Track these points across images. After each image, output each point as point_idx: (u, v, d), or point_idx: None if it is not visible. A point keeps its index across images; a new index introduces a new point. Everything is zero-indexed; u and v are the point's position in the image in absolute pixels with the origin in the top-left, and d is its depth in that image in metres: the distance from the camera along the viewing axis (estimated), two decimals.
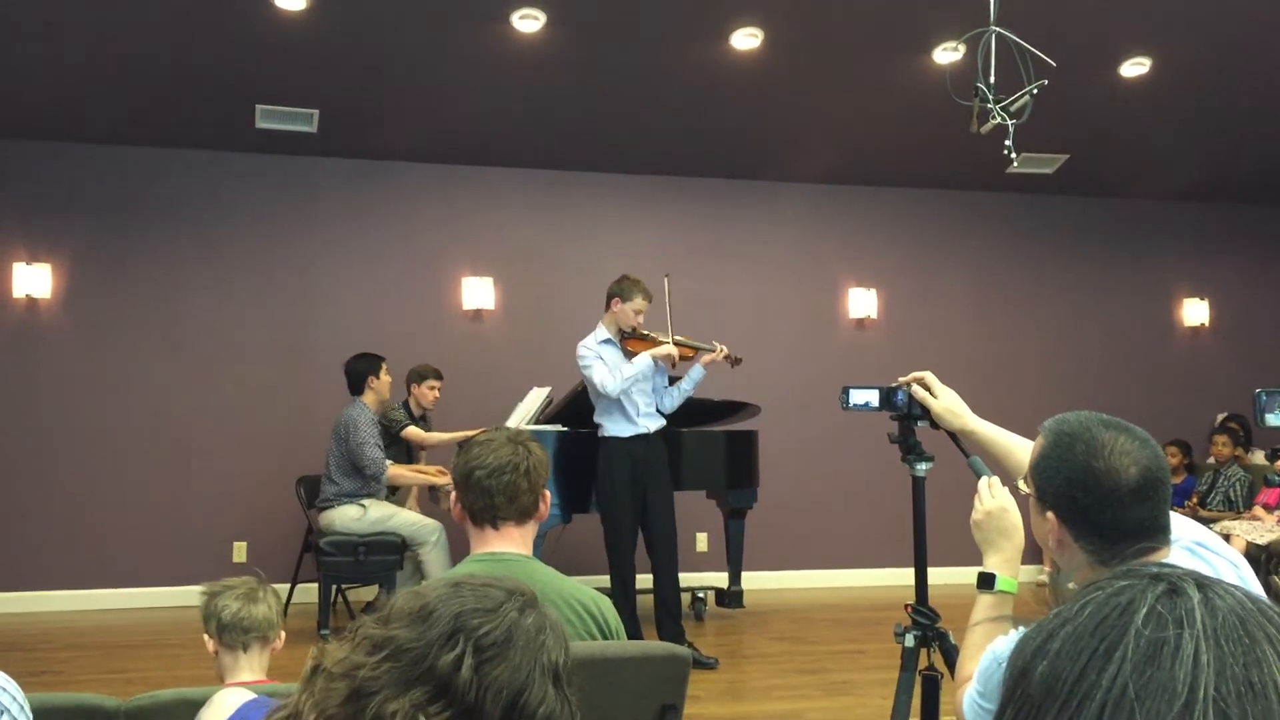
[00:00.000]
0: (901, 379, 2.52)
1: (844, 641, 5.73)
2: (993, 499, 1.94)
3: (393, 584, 5.66)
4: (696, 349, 5.42)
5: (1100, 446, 1.53)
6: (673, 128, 6.91)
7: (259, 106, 6.49)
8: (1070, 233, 8.06)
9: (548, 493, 2.20)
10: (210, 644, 2.33)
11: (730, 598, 6.28)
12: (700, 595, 6.40)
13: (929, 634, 2.60)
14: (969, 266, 7.91)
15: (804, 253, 7.70)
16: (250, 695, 1.98)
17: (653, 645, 2.28)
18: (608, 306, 5.29)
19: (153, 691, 1.98)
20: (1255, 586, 1.59)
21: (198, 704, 1.96)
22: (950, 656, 2.51)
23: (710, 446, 5.94)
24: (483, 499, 2.11)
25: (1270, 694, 0.60)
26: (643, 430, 5.23)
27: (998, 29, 4.18)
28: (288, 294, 7.01)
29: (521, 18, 5.71)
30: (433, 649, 0.92)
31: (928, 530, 2.71)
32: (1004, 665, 0.71)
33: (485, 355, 7.16)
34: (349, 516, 5.66)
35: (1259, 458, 7.27)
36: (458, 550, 5.35)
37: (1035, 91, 4.11)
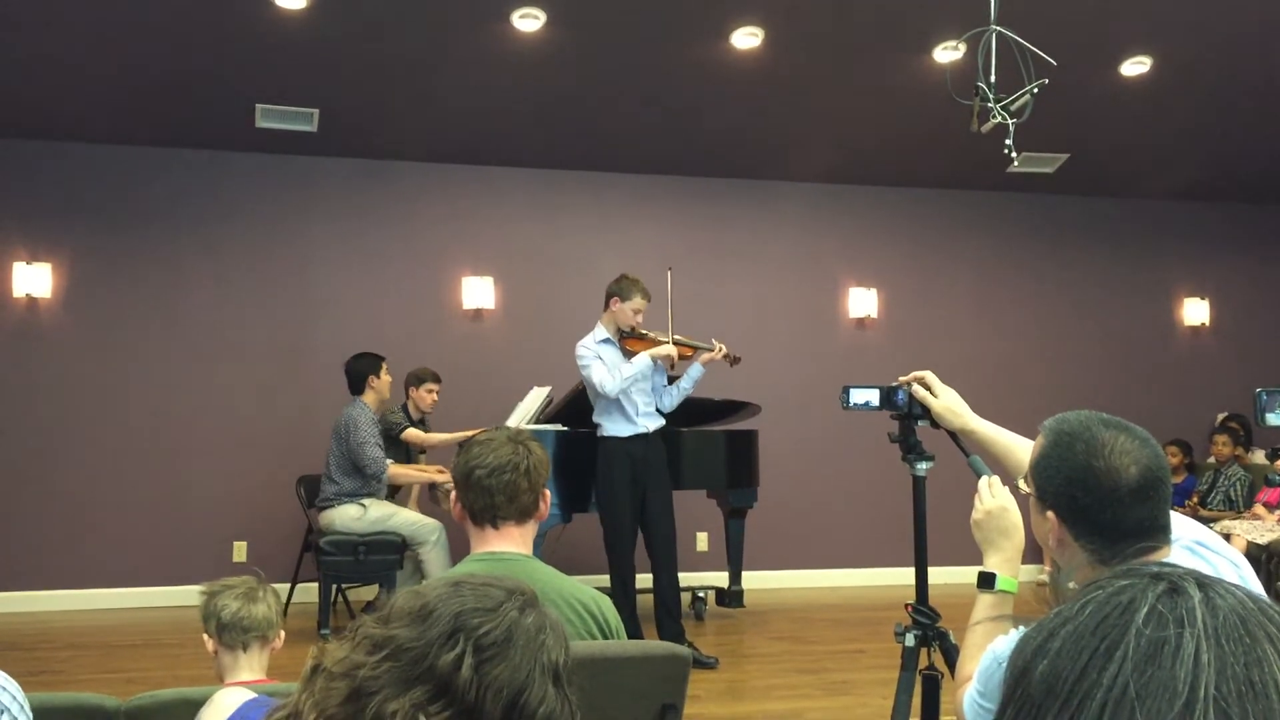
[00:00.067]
0: (902, 378, 2.52)
1: (844, 641, 5.73)
2: (993, 498, 1.94)
3: (393, 583, 5.66)
4: (695, 348, 5.42)
5: (1100, 446, 1.53)
6: (673, 128, 6.91)
7: (259, 106, 6.49)
8: (1070, 232, 8.06)
9: (548, 492, 2.20)
10: (210, 644, 2.33)
11: (730, 597, 6.28)
12: (700, 595, 6.40)
13: (929, 633, 2.60)
14: (969, 266, 7.91)
15: (804, 252, 7.70)
16: (250, 695, 1.98)
17: (653, 645, 2.28)
18: (606, 306, 5.29)
19: (153, 691, 1.98)
20: (1256, 586, 1.59)
21: (198, 704, 1.96)
22: (950, 656, 2.51)
23: (710, 446, 5.94)
24: (483, 498, 2.11)
25: (1271, 693, 0.60)
26: (642, 430, 5.23)
27: (998, 28, 4.18)
28: (288, 294, 7.01)
29: (521, 17, 5.71)
30: (433, 648, 0.92)
31: (928, 530, 2.71)
32: (1004, 665, 0.70)
33: (485, 355, 7.16)
34: (349, 516, 5.66)
35: (1259, 457, 7.27)
36: (458, 550, 5.35)
37: (1036, 91, 4.11)
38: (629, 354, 5.24)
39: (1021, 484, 1.72)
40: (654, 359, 5.20)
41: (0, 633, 5.80)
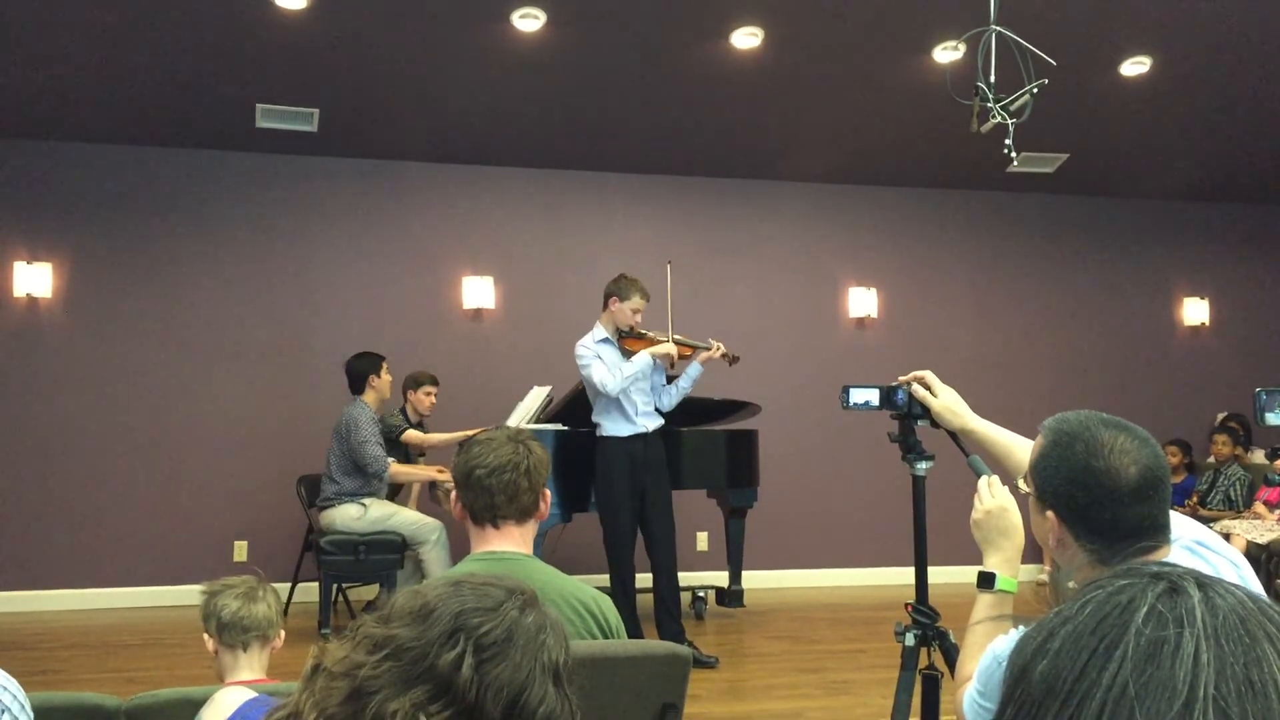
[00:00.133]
0: (901, 378, 2.53)
1: (844, 641, 5.73)
2: (993, 498, 1.94)
3: (393, 583, 5.66)
4: (694, 347, 5.42)
5: (1100, 446, 1.53)
6: (673, 127, 6.91)
7: (259, 106, 6.49)
8: (1070, 232, 8.06)
9: (548, 492, 2.20)
10: (210, 643, 2.33)
11: (730, 597, 6.28)
12: (700, 594, 6.40)
13: (929, 633, 2.60)
14: (969, 266, 7.91)
15: (804, 252, 7.69)
16: (251, 694, 1.98)
17: (653, 644, 2.28)
18: (605, 306, 5.29)
19: (153, 691, 1.98)
20: (1255, 586, 1.59)
21: (198, 703, 1.96)
22: (950, 656, 2.51)
23: (711, 446, 5.94)
24: (483, 498, 2.11)
25: (1270, 693, 0.60)
26: (641, 429, 5.23)
27: (998, 28, 4.18)
28: (288, 294, 7.01)
29: (521, 17, 5.71)
30: (433, 648, 0.92)
31: (928, 530, 2.71)
32: (1004, 664, 0.70)
33: (485, 355, 7.16)
34: (349, 515, 5.66)
35: (1259, 457, 7.27)
36: (458, 549, 5.35)
37: (1035, 91, 4.11)
38: (628, 354, 5.24)
39: (1021, 484, 1.72)
40: (654, 357, 5.20)
41: (0, 632, 5.80)
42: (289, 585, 6.39)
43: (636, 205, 7.46)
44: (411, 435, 6.11)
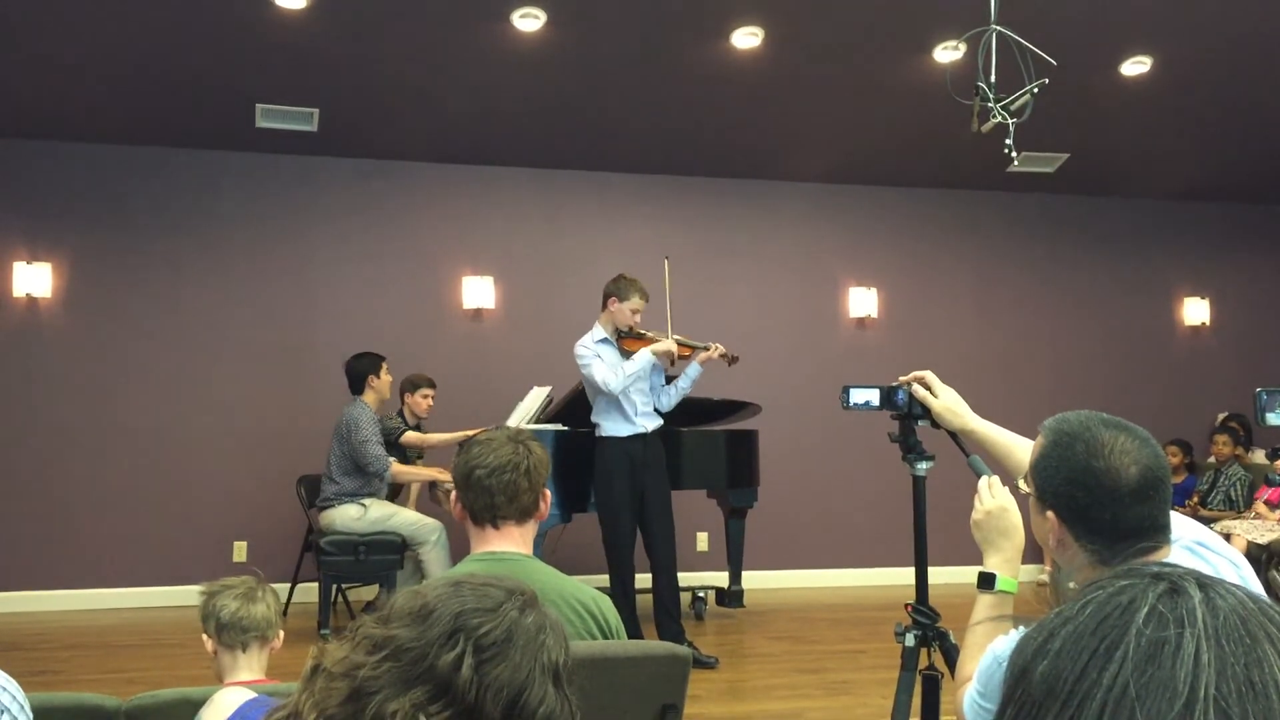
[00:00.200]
0: (902, 378, 2.52)
1: (844, 641, 5.73)
2: (993, 499, 1.94)
3: (393, 583, 5.66)
4: (693, 348, 5.41)
5: (1100, 446, 1.53)
6: (673, 127, 6.91)
7: (259, 106, 6.49)
8: (1070, 232, 8.06)
9: (548, 492, 2.20)
10: (209, 644, 2.33)
11: (730, 597, 6.28)
12: (700, 595, 6.40)
13: (929, 633, 2.60)
14: (969, 265, 7.91)
15: (804, 252, 7.70)
16: (250, 694, 1.98)
17: (653, 645, 2.28)
18: (604, 306, 5.29)
19: (153, 691, 1.98)
20: (1256, 586, 1.59)
21: (198, 704, 1.96)
22: (950, 656, 2.51)
23: (711, 446, 5.94)
24: (483, 498, 2.11)
25: (1271, 693, 0.60)
26: (640, 429, 5.22)
27: (998, 28, 4.18)
28: (288, 294, 7.01)
29: (521, 17, 5.71)
30: (433, 648, 0.92)
31: (928, 530, 2.71)
32: (1004, 665, 0.70)
33: (485, 355, 7.16)
34: (349, 516, 5.66)
35: (1259, 457, 7.27)
36: (458, 550, 5.35)
37: (1036, 90, 4.11)
38: (627, 354, 5.24)
39: (1021, 484, 1.72)
40: (655, 355, 5.20)
41: (0, 633, 5.80)
42: (289, 585, 6.39)
43: (636, 205, 7.46)
44: (411, 436, 6.10)
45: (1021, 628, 0.73)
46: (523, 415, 5.74)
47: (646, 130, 6.93)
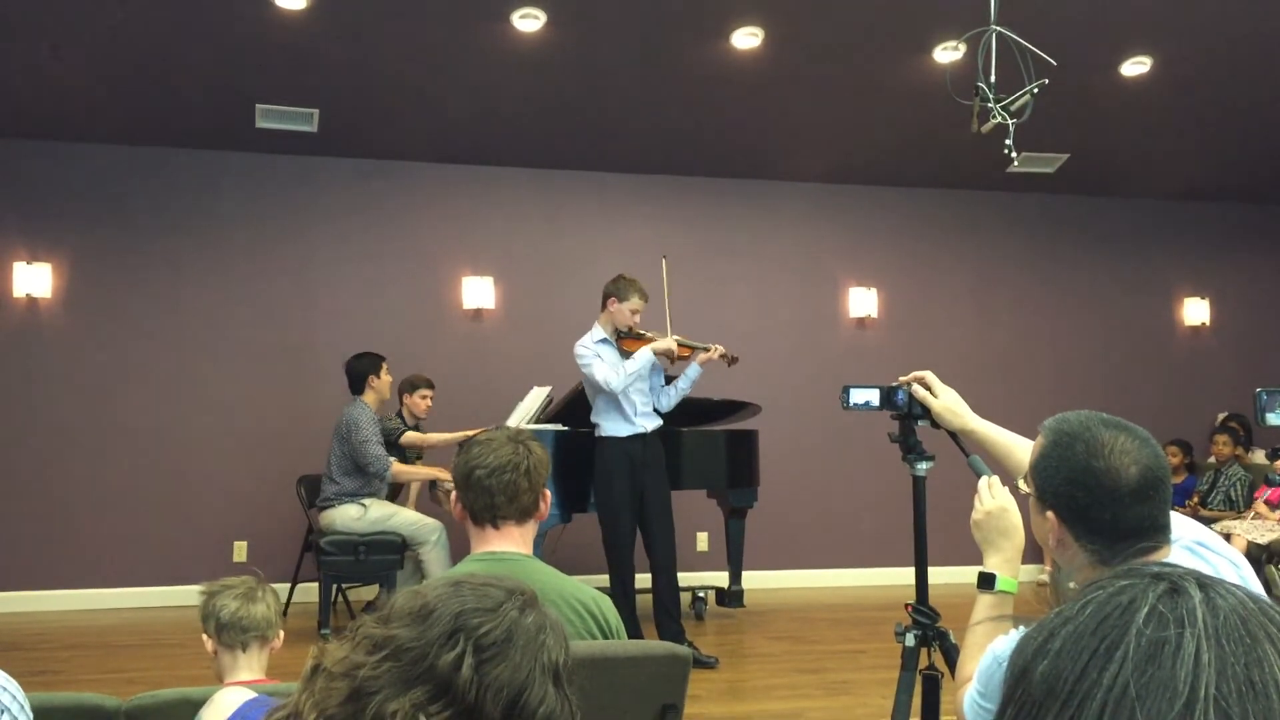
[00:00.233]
0: (902, 378, 2.52)
1: (844, 641, 5.73)
2: (993, 499, 1.93)
3: (393, 583, 5.66)
4: (693, 348, 5.42)
5: (1100, 446, 1.53)
6: (673, 127, 6.91)
7: (259, 106, 6.49)
8: (1070, 232, 8.06)
9: (548, 492, 2.20)
10: (209, 644, 2.33)
11: (730, 597, 6.28)
12: (700, 595, 6.40)
13: (929, 633, 2.60)
14: (969, 266, 7.91)
15: (804, 252, 7.70)
16: (251, 694, 1.98)
17: (653, 644, 2.28)
18: (604, 306, 5.29)
19: (153, 691, 1.98)
20: (1256, 586, 1.59)
21: (198, 704, 1.96)
22: (950, 656, 2.51)
23: (711, 446, 5.94)
24: (483, 498, 2.11)
25: (1271, 693, 0.60)
26: (640, 429, 5.22)
27: (998, 28, 4.18)
28: (288, 294, 7.01)
29: (521, 17, 5.71)
30: (433, 648, 0.92)
31: (928, 530, 2.71)
32: (1004, 665, 0.70)
33: (485, 355, 7.16)
34: (349, 516, 5.66)
35: (1259, 457, 7.27)
36: (458, 550, 5.35)
37: (1036, 91, 4.11)
38: (626, 354, 5.24)
39: (1021, 484, 1.72)
40: (655, 353, 5.21)
41: (0, 633, 5.80)
42: (289, 585, 6.39)
43: (636, 205, 7.46)
44: (411, 436, 6.10)
45: (1021, 628, 0.74)
46: (523, 415, 5.74)
47: (646, 130, 6.93)
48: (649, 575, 5.20)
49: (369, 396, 5.87)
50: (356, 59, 6.06)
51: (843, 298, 7.74)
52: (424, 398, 6.20)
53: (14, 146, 6.69)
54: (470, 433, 5.36)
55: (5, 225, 6.70)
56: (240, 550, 6.78)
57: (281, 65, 6.08)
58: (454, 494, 2.19)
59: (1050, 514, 1.57)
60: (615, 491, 5.17)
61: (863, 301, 7.72)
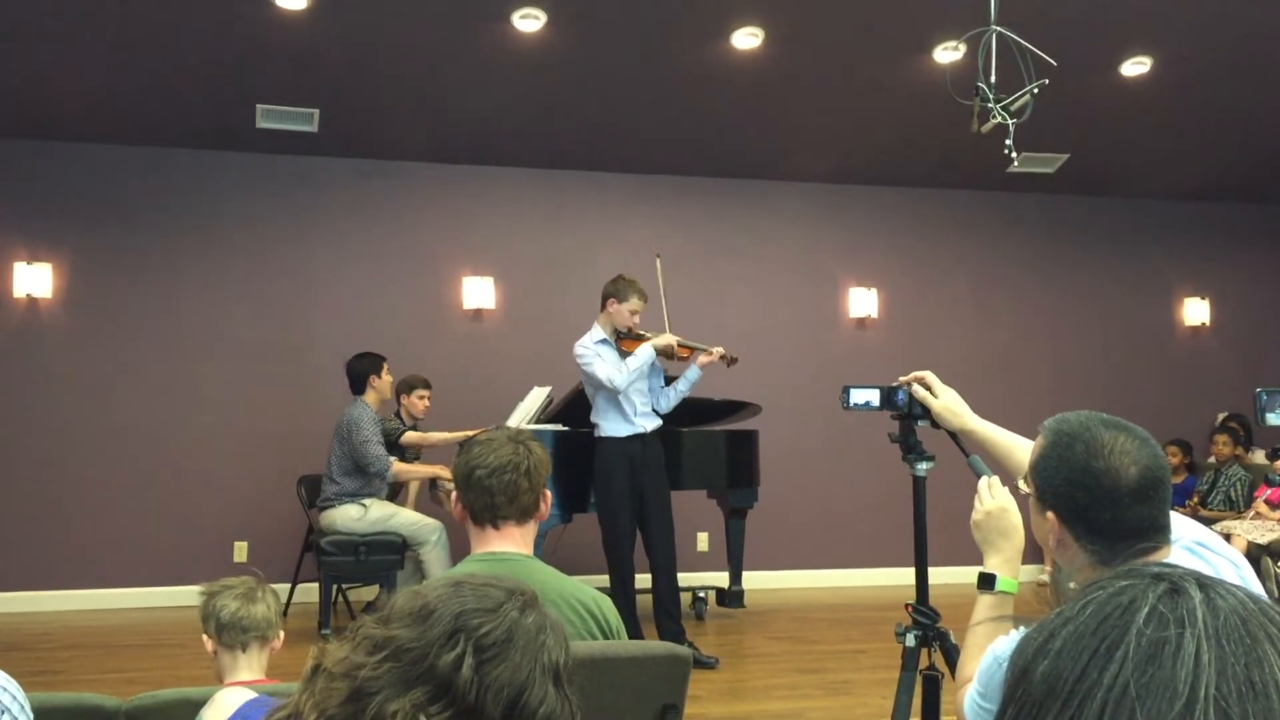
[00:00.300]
0: (902, 378, 2.53)
1: (844, 641, 5.73)
2: (993, 499, 1.93)
3: (393, 584, 5.66)
4: (693, 349, 5.42)
5: (1100, 446, 1.53)
6: (673, 127, 6.91)
7: (259, 106, 6.49)
8: (1071, 232, 8.06)
9: (548, 492, 2.20)
10: (209, 644, 2.33)
11: (731, 597, 6.28)
12: (701, 595, 6.40)
13: (929, 633, 2.60)
14: (969, 266, 7.91)
15: (804, 252, 7.70)
16: (251, 694, 1.98)
17: (653, 645, 2.28)
18: (603, 307, 5.29)
19: (153, 691, 1.98)
20: (1256, 586, 1.59)
21: (198, 704, 1.96)
22: (951, 656, 2.51)
23: (711, 446, 5.94)
24: (483, 498, 2.11)
25: (1271, 694, 0.60)
26: (639, 430, 5.22)
27: (998, 28, 4.18)
28: (287, 294, 7.01)
29: (522, 17, 5.71)
30: (433, 649, 0.92)
31: (928, 530, 2.71)
32: (1005, 665, 0.70)
33: (485, 355, 7.16)
34: (350, 516, 5.66)
35: (1259, 457, 7.27)
36: (458, 550, 5.35)
37: (1036, 91, 4.11)
38: (625, 354, 5.24)
39: (1021, 484, 1.72)
40: (655, 348, 5.21)
41: (0, 633, 5.80)
42: (289, 586, 6.39)
43: (636, 205, 7.46)
44: (412, 436, 6.10)
45: (1022, 628, 0.74)
46: (523, 415, 5.74)
47: (646, 130, 6.93)
48: (649, 575, 5.20)
49: (370, 396, 5.87)
50: (356, 59, 6.06)
51: (843, 298, 7.74)
52: (421, 398, 6.20)
53: (14, 146, 6.69)
54: (471, 433, 5.37)
55: (5, 225, 6.70)
56: (240, 550, 6.78)
57: (281, 65, 6.08)
58: (454, 494, 2.19)
59: (1050, 514, 1.57)
60: (615, 491, 5.17)
61: (863, 301, 7.72)
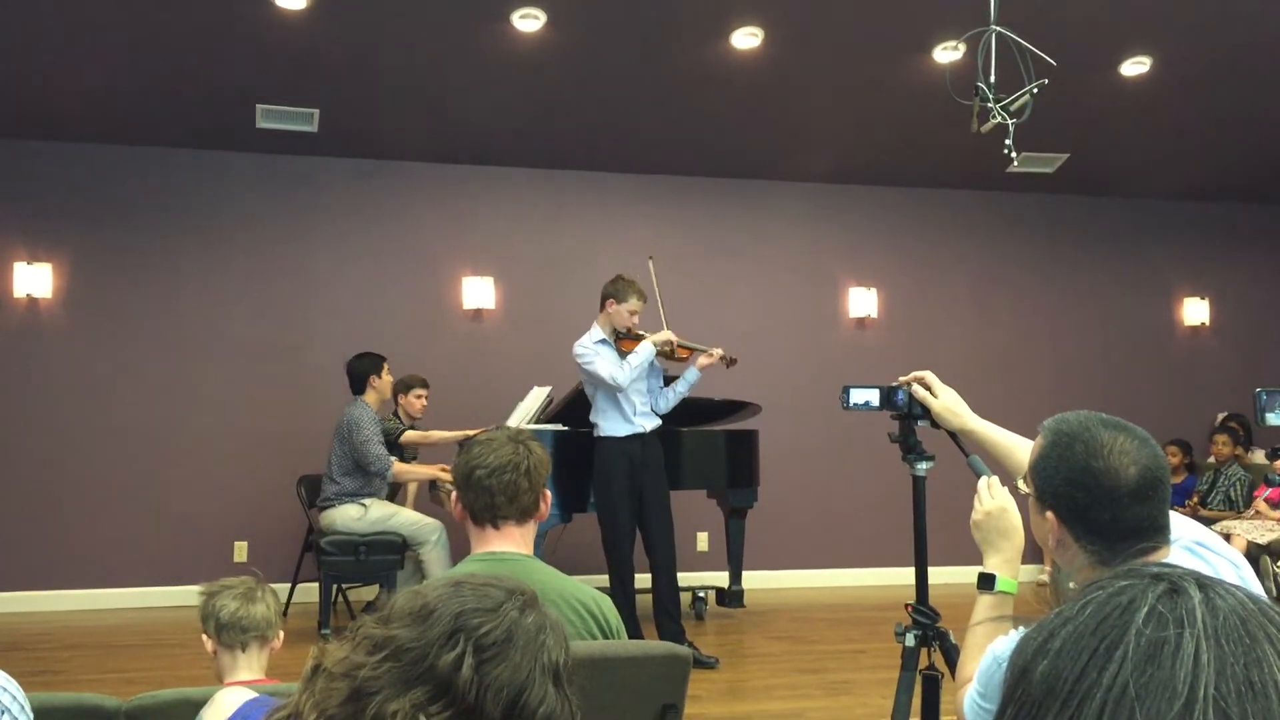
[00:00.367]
0: (902, 378, 2.53)
1: (844, 641, 5.73)
2: (992, 499, 1.93)
3: (393, 583, 5.66)
4: (693, 349, 5.42)
5: (1100, 446, 1.53)
6: (673, 127, 6.91)
7: (259, 106, 6.49)
8: (1070, 232, 8.06)
9: (548, 492, 2.20)
10: (209, 644, 2.33)
11: (731, 597, 6.28)
12: (701, 595, 6.40)
13: (929, 633, 2.60)
14: (969, 266, 7.91)
15: (804, 252, 7.70)
16: (251, 694, 1.98)
17: (653, 645, 2.28)
18: (602, 307, 5.29)
19: (153, 691, 1.98)
20: (1255, 586, 1.59)
21: (198, 704, 1.96)
22: (950, 656, 2.51)
23: (711, 446, 5.94)
24: (483, 498, 2.11)
25: (1270, 693, 0.60)
26: (639, 429, 5.23)
27: (998, 28, 4.18)
28: (287, 294, 7.01)
29: (521, 18, 5.71)
30: (433, 649, 0.92)
31: (928, 530, 2.71)
32: (1004, 665, 0.70)
33: (485, 355, 7.16)
34: (350, 516, 5.66)
35: (1259, 457, 7.27)
36: (458, 550, 5.35)
37: (1035, 91, 4.11)
38: (624, 354, 5.24)
39: (1021, 484, 1.72)
40: (655, 345, 5.22)
41: (0, 633, 5.80)
42: (289, 585, 6.39)
43: (636, 205, 7.46)
44: (412, 435, 6.11)
45: (1021, 628, 0.74)
46: (523, 415, 5.75)
47: (646, 130, 6.93)
48: (649, 575, 5.20)
49: (370, 396, 5.87)
50: (356, 59, 6.06)
51: (843, 298, 7.74)
52: (419, 397, 6.20)
53: (14, 146, 6.69)
54: (471, 432, 5.37)
55: (5, 225, 6.70)
56: (240, 550, 6.78)
57: (281, 65, 6.08)
58: (454, 494, 2.19)
59: (1050, 514, 1.57)
60: (614, 491, 5.17)
61: (863, 301, 7.72)
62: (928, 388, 2.43)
